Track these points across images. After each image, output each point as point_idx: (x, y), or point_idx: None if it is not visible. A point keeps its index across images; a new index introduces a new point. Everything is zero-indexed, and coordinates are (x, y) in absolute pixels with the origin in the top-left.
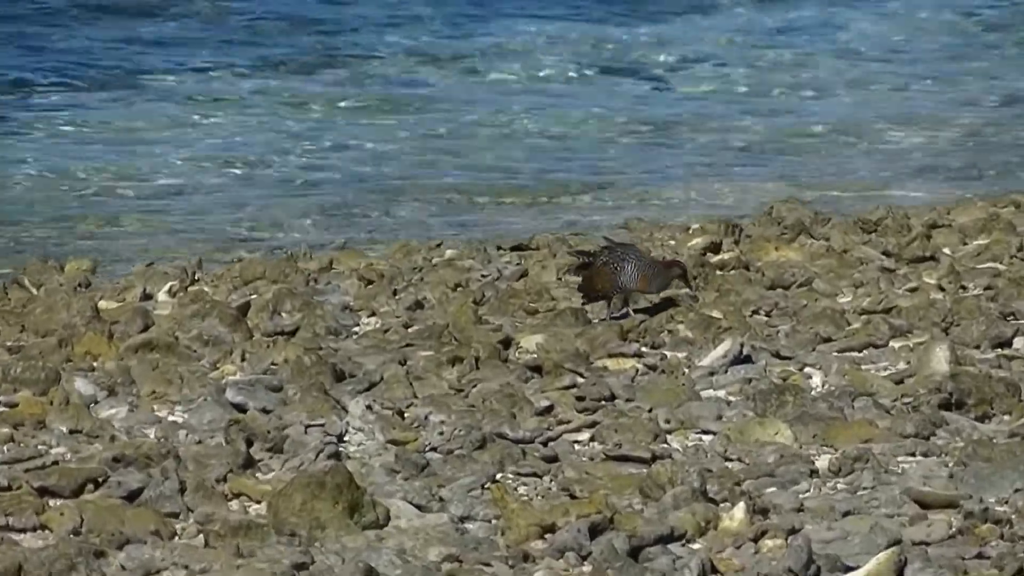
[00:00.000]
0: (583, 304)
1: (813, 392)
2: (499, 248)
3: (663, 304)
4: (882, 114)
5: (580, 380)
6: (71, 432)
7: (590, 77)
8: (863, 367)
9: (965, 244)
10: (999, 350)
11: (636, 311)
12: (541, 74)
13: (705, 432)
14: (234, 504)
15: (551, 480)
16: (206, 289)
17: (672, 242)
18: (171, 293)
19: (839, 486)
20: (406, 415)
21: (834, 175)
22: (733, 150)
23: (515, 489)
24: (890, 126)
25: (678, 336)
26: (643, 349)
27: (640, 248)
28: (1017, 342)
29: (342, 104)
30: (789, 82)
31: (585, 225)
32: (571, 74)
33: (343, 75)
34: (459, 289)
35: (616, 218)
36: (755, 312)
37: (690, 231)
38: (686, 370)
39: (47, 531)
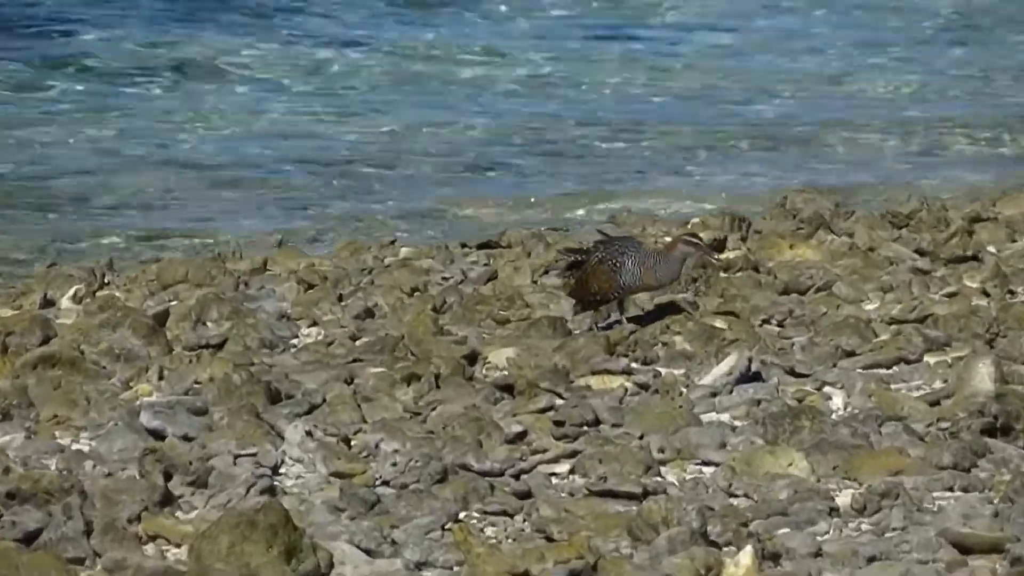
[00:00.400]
0: (576, 312)
1: (834, 416)
2: (464, 246)
3: (657, 312)
4: (906, 94)
5: (559, 401)
6: None
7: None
8: (892, 386)
9: (1014, 241)
10: None
11: (628, 319)
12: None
13: (706, 463)
14: (149, 548)
15: (524, 520)
16: (117, 294)
17: (668, 239)
18: (76, 299)
19: (863, 527)
20: (353, 443)
21: (858, 161)
22: (740, 134)
23: (481, 530)
24: (916, 103)
25: (674, 349)
26: (633, 365)
27: (639, 239)
28: None
29: (284, 80)
30: (801, 55)
31: (565, 220)
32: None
33: (274, 49)
34: (416, 294)
35: (602, 208)
36: (765, 321)
37: (689, 225)
38: (684, 390)
39: None
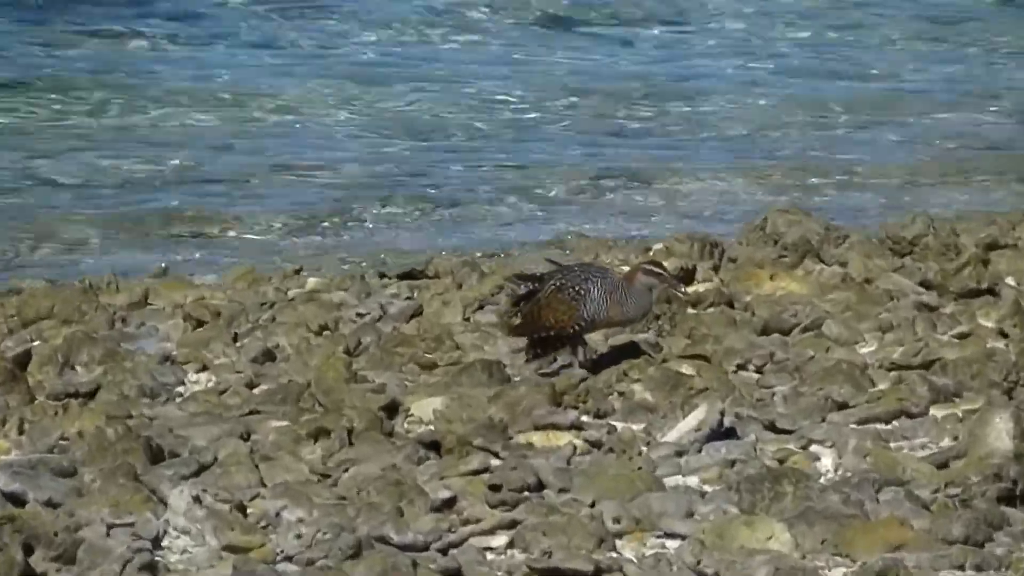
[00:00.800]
0: (527, 356)
1: (822, 479)
2: (382, 276)
3: (613, 355)
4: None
5: (495, 462)
6: None
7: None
8: (892, 444)
9: None
10: None
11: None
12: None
13: (670, 535)
14: None
15: None
16: None
17: (625, 268)
18: None
19: None
20: (250, 510)
21: (853, 171)
22: (712, 137)
23: None
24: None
25: (633, 400)
26: (584, 418)
27: (603, 265)
28: None
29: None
30: (791, 39)
31: (504, 243)
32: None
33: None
34: (325, 333)
35: (546, 230)
36: (741, 367)
37: (651, 252)
38: (644, 448)
39: None
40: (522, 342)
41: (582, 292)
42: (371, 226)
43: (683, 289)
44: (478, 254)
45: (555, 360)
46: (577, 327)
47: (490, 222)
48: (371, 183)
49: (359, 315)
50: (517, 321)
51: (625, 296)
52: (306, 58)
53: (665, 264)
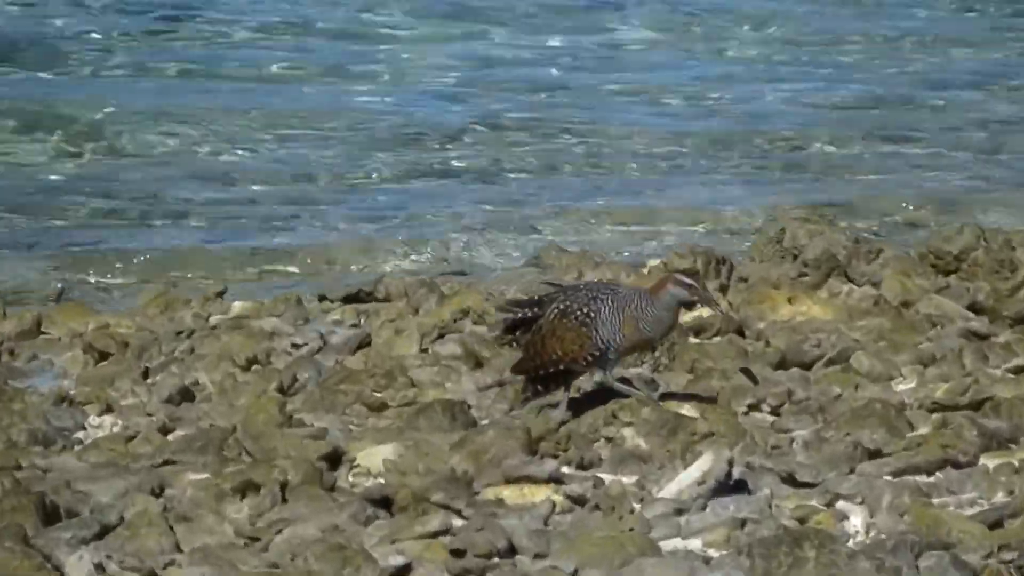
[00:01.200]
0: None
1: (851, 542)
2: (323, 299)
3: (599, 394)
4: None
5: (458, 522)
6: None
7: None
8: (935, 500)
9: None
10: None
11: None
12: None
13: None
14: None
15: None
16: None
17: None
18: None
19: None
20: None
21: (885, 178)
22: (715, 138)
23: None
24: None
25: (623, 447)
26: (565, 469)
27: (612, 281)
28: None
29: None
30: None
31: (468, 261)
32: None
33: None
34: (255, 368)
35: (520, 248)
36: (754, 407)
37: (647, 270)
38: (636, 505)
39: None
40: (497, 375)
41: (592, 314)
42: (307, 238)
43: (720, 305)
44: (437, 272)
45: (534, 395)
46: (591, 357)
47: (450, 234)
48: (306, 188)
49: (295, 346)
50: (519, 355)
51: (641, 310)
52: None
53: (697, 273)
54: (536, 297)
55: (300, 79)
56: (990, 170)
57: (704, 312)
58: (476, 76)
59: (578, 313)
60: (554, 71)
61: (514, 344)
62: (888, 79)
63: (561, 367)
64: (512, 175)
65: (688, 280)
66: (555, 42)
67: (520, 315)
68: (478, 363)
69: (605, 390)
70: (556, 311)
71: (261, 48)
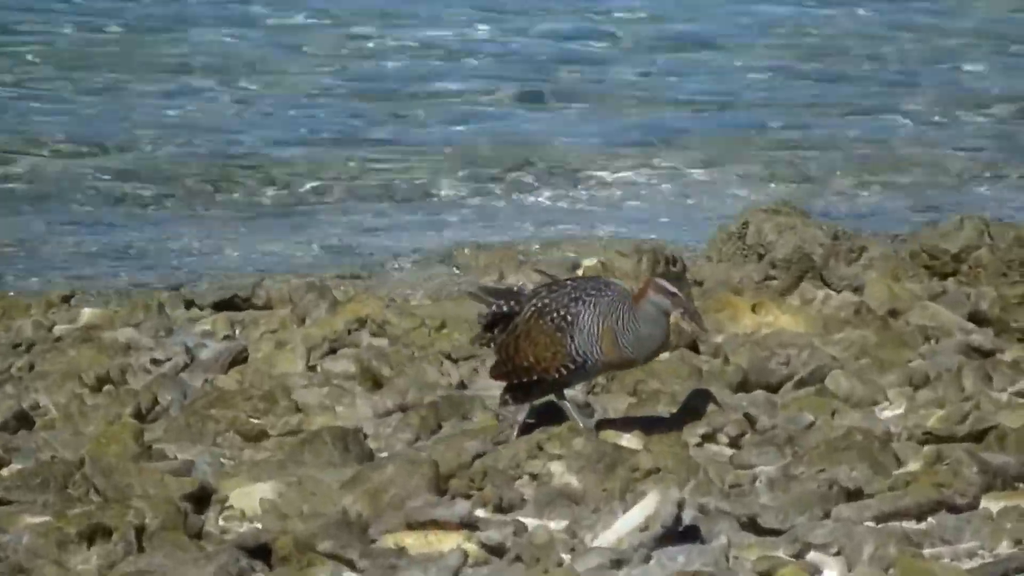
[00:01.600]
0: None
1: None
2: (191, 305)
3: (528, 420)
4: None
5: None
6: None
7: None
8: (927, 551)
9: None
10: None
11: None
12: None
13: None
14: None
15: None
16: None
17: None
18: None
19: None
20: None
21: (871, 163)
22: (668, 112)
23: None
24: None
25: (551, 486)
26: (480, 512)
27: (610, 278)
28: None
29: None
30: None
31: (367, 254)
32: None
33: None
34: (107, 389)
35: (429, 244)
36: (709, 437)
37: (581, 271)
38: (566, 557)
39: None
40: (399, 398)
41: (569, 318)
42: (172, 232)
43: (703, 321)
44: (332, 275)
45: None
46: (564, 370)
47: (344, 228)
48: (173, 170)
49: (155, 362)
50: (495, 358)
51: (623, 322)
52: None
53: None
54: (516, 287)
55: None
56: (997, 152)
57: (685, 326)
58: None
59: (555, 315)
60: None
61: (490, 344)
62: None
63: (534, 377)
64: (416, 152)
65: (671, 287)
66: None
67: (497, 309)
68: (376, 383)
69: (539, 409)
70: (533, 309)
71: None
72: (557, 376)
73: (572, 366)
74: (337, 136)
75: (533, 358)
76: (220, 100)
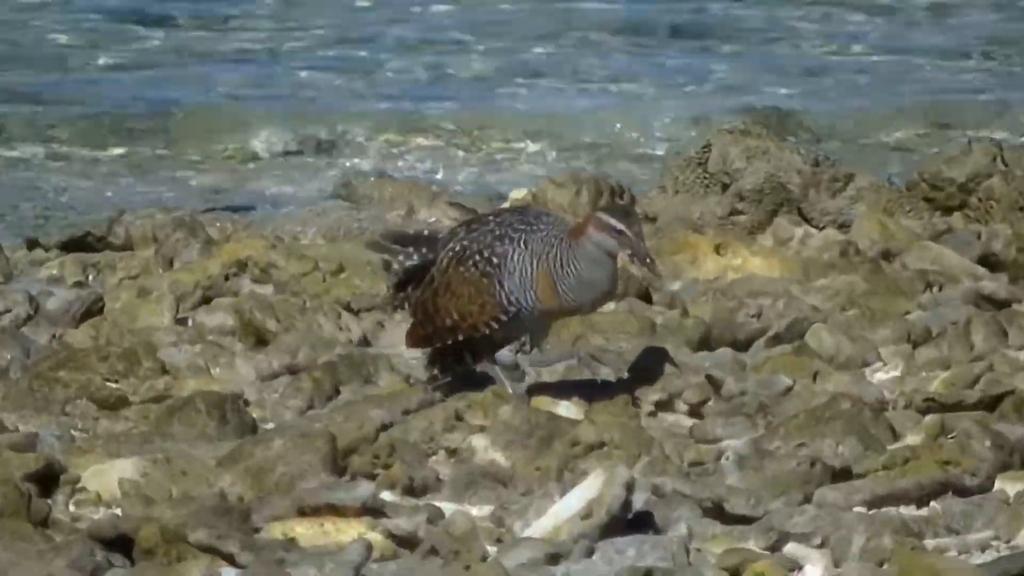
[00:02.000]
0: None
1: None
2: (34, 245)
3: (454, 382)
4: None
5: (230, 572)
6: None
7: None
8: (929, 542)
9: None
10: None
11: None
12: None
13: None
14: None
15: None
16: None
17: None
18: None
19: None
20: None
21: (853, 69)
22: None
23: None
24: None
25: (472, 463)
26: (387, 495)
27: (545, 210)
28: None
29: None
30: None
31: (247, 191)
32: None
33: None
34: None
35: (321, 174)
36: (664, 405)
37: (508, 201)
38: (491, 549)
39: None
40: (288, 357)
41: (496, 260)
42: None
43: (656, 265)
44: (201, 208)
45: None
46: (495, 323)
47: (221, 159)
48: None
49: None
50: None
51: (560, 263)
52: None
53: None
54: (426, 232)
55: None
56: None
57: (635, 271)
58: None
59: (477, 258)
60: None
61: (406, 306)
62: None
63: (460, 338)
64: (308, 73)
65: (616, 223)
66: None
67: (404, 262)
68: (260, 340)
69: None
70: (451, 254)
71: None
72: (488, 331)
73: (504, 317)
74: None
75: (457, 314)
76: None
